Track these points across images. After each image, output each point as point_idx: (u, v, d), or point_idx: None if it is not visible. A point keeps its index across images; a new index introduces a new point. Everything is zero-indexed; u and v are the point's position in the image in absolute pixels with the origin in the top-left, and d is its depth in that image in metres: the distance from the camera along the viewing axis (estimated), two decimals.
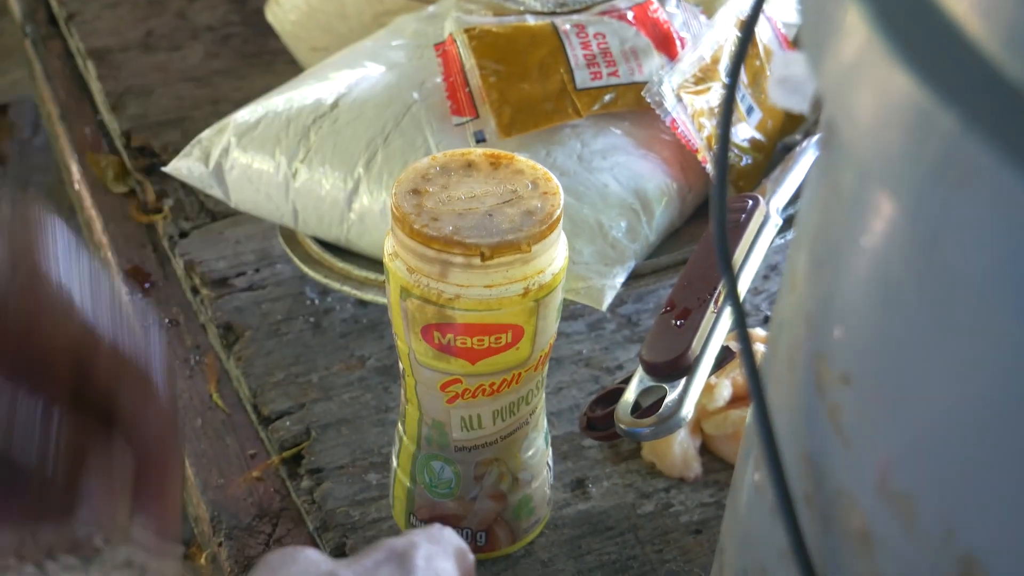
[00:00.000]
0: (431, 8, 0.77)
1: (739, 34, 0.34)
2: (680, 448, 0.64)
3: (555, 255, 0.53)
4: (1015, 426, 0.25)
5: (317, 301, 0.75)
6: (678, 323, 0.56)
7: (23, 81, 1.10)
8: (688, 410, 0.54)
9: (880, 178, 0.26)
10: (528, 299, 0.53)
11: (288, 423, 0.68)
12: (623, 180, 0.66)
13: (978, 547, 0.27)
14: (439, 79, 0.70)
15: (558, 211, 0.53)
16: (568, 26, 0.69)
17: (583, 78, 0.68)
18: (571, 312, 0.74)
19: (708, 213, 0.64)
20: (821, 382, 0.32)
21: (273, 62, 0.93)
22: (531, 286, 0.52)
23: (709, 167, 0.68)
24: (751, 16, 0.33)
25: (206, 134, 0.74)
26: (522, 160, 0.55)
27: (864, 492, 0.30)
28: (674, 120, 0.67)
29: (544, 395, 0.59)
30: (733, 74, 0.33)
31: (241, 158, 0.72)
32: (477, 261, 0.51)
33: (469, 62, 0.68)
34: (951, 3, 0.25)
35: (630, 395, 0.55)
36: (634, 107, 0.68)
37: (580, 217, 0.65)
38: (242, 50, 0.95)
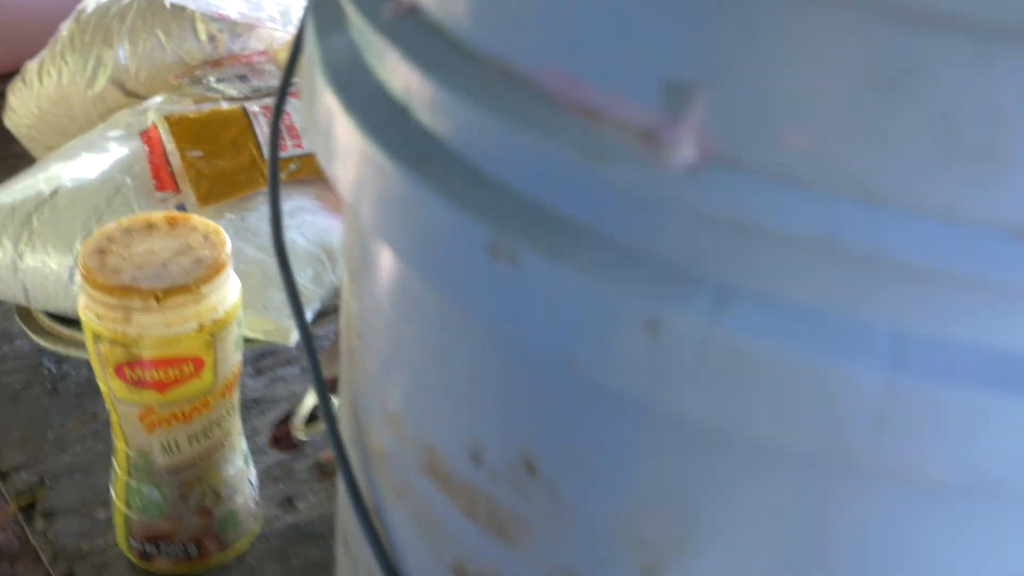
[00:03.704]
0: (145, 103, 0.85)
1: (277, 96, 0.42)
2: None
3: (226, 295, 0.61)
4: (426, 364, 0.34)
5: (54, 369, 0.81)
6: None
7: None
8: None
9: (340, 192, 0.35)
10: (204, 334, 0.60)
11: (24, 475, 0.74)
12: (310, 236, 0.75)
13: (432, 438, 0.36)
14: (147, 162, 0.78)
15: (224, 257, 0.61)
16: (257, 108, 0.78)
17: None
18: (287, 358, 0.82)
19: None
20: (351, 344, 0.40)
21: (17, 165, 1.00)
22: (205, 322, 0.60)
23: None
24: (286, 74, 0.42)
25: None
26: (196, 218, 0.63)
27: (376, 419, 0.39)
28: None
29: (238, 420, 0.66)
30: (274, 125, 0.42)
31: None
32: (154, 304, 0.59)
33: (170, 145, 0.76)
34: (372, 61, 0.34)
35: (304, 409, 0.63)
36: (318, 174, 0.77)
37: (271, 270, 0.73)
38: None
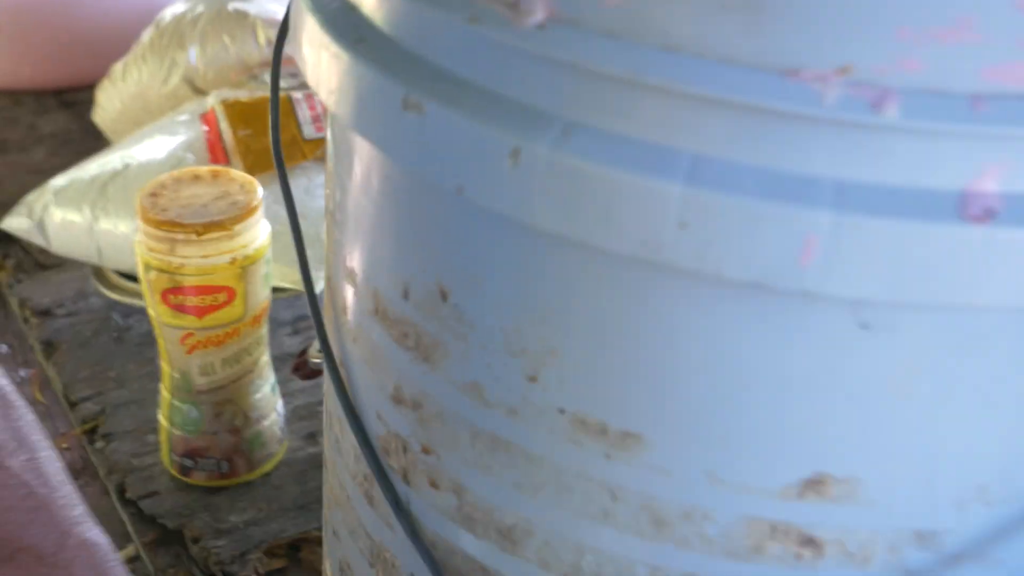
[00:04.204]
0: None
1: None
2: None
3: (256, 235, 0.70)
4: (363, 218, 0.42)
5: (121, 322, 0.90)
6: None
7: None
8: None
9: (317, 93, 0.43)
10: (236, 266, 0.69)
11: (89, 405, 0.82)
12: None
13: (376, 283, 0.43)
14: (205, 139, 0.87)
15: (256, 202, 0.69)
16: (299, 95, 0.87)
17: (309, 131, 0.85)
18: None
19: None
20: (329, 227, 0.48)
21: None
22: (237, 256, 0.68)
23: None
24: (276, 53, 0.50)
25: (30, 196, 0.90)
26: (236, 172, 0.72)
27: (342, 280, 0.46)
28: None
29: (267, 352, 0.74)
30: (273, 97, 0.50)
31: (57, 212, 0.88)
32: (194, 237, 0.67)
33: (224, 124, 0.86)
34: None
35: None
36: None
37: (305, 230, 0.81)
38: (78, 149, 1.11)
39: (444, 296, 0.40)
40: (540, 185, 0.35)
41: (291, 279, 0.80)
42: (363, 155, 0.42)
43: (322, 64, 0.40)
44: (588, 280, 0.37)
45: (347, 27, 0.40)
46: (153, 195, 0.69)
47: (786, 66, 0.32)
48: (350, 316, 0.46)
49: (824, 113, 0.32)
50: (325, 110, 0.86)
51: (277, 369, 0.79)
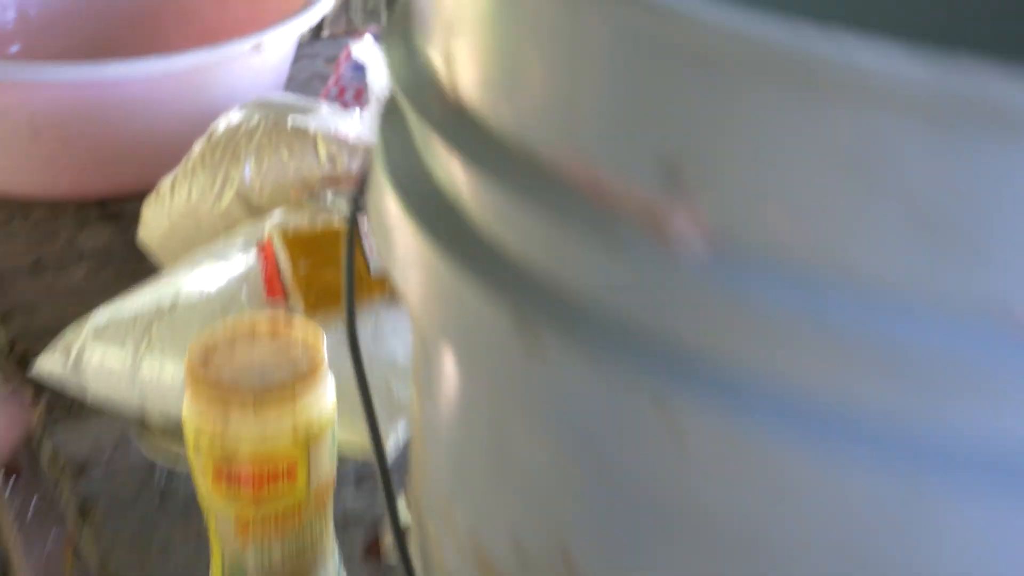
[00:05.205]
0: (265, 218, 0.90)
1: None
2: None
3: (321, 399, 0.64)
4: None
5: (164, 481, 0.85)
6: None
7: None
8: None
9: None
10: (299, 436, 0.63)
11: None
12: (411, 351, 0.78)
13: (481, 537, 0.37)
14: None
15: (320, 364, 0.64)
16: (367, 225, 0.81)
17: (376, 266, 0.80)
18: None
19: None
20: (418, 453, 0.43)
21: (147, 279, 1.05)
22: (299, 425, 0.63)
23: None
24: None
25: (67, 336, 0.85)
26: (297, 325, 0.66)
27: (429, 502, 0.41)
28: None
29: (332, 528, 0.68)
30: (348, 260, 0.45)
31: (95, 354, 0.83)
32: (250, 410, 0.62)
33: (283, 256, 0.81)
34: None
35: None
36: None
37: (372, 380, 0.76)
38: (121, 269, 1.07)
39: (567, 560, 0.34)
40: (701, 459, 0.29)
41: (358, 439, 0.74)
42: (471, 390, 0.36)
43: (413, 269, 0.35)
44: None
45: (450, 235, 0.34)
46: (205, 354, 0.64)
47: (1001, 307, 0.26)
48: (446, 560, 0.40)
49: None
50: None
51: (341, 541, 0.74)
